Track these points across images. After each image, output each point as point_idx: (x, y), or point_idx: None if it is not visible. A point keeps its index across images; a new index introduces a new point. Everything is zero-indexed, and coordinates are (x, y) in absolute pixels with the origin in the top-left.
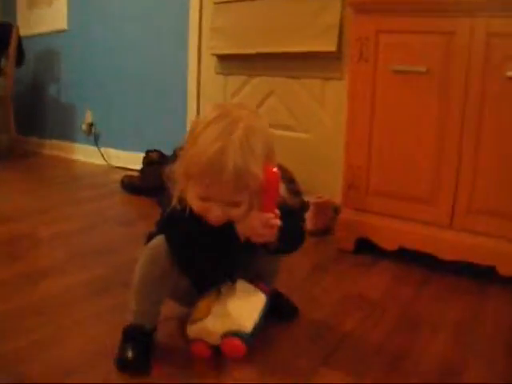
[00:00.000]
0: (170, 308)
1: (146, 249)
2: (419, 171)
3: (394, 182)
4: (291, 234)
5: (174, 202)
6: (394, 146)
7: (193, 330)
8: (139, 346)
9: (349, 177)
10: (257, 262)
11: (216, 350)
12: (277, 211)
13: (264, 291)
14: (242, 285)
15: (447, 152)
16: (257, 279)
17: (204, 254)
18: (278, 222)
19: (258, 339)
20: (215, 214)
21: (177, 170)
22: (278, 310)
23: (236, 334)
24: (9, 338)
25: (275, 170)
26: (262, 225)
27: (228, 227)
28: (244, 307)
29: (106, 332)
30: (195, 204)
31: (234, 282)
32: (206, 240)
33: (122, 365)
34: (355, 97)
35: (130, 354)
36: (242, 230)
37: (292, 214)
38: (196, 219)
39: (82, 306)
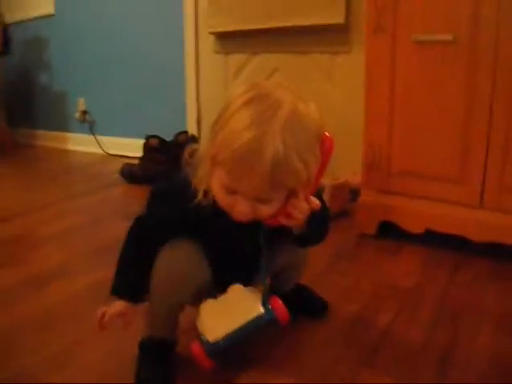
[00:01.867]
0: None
1: (165, 249)
2: (446, 148)
3: (418, 160)
4: (321, 220)
5: (199, 192)
6: (418, 122)
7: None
8: (159, 362)
9: (369, 156)
10: (283, 255)
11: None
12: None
13: (273, 306)
14: (241, 291)
15: (476, 127)
16: (281, 275)
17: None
18: (317, 202)
19: (293, 341)
20: (242, 210)
21: (203, 151)
22: (307, 306)
23: (201, 338)
24: (15, 357)
25: (329, 135)
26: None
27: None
28: (222, 314)
29: (124, 343)
30: (219, 196)
31: (250, 282)
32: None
33: None
34: (372, 71)
35: (149, 373)
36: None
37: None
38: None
39: (93, 315)
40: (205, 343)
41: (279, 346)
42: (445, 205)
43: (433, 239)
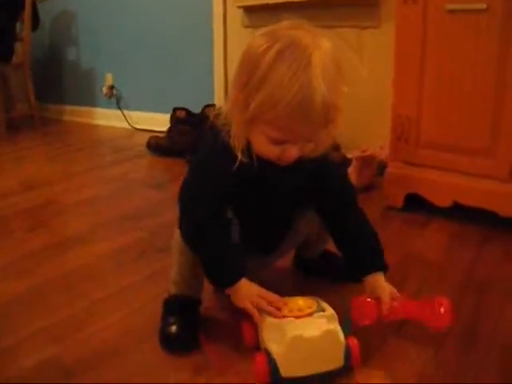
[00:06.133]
0: None
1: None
2: (476, 120)
3: (447, 132)
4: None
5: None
6: (448, 93)
7: (264, 319)
8: (185, 318)
9: (397, 128)
10: (307, 226)
11: None
12: None
13: (351, 349)
14: (316, 321)
15: (507, 99)
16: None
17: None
18: None
19: None
20: (292, 156)
21: (235, 116)
22: (334, 270)
23: (269, 357)
24: (39, 316)
25: None
26: None
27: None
28: (300, 352)
29: (145, 304)
30: (267, 150)
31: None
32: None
33: (167, 341)
34: (403, 41)
35: (174, 328)
36: None
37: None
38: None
39: (116, 277)
40: (273, 367)
41: None
42: (473, 178)
43: (460, 213)
